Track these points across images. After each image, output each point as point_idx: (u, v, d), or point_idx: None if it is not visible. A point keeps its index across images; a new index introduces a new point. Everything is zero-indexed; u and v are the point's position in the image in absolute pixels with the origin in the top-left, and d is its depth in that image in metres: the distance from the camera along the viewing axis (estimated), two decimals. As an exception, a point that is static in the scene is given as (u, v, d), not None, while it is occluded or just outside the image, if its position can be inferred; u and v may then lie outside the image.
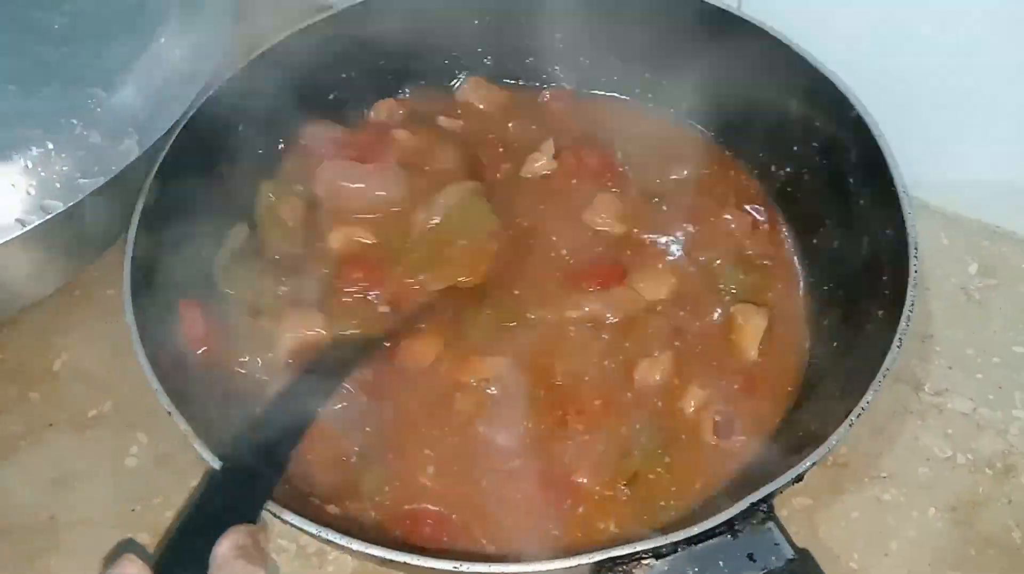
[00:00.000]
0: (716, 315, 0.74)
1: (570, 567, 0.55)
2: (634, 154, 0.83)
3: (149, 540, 0.71)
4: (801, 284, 0.77)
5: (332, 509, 0.66)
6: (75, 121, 0.66)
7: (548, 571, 0.55)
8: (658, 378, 0.71)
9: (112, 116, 0.68)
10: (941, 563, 0.67)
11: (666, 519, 0.64)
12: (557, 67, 0.90)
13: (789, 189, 0.81)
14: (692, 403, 0.70)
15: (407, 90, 0.89)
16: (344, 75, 0.86)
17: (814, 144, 0.78)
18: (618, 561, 0.55)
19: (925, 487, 0.71)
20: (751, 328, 0.72)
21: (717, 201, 0.80)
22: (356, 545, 0.56)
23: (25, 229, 0.63)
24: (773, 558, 0.55)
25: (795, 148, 0.80)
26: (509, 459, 0.67)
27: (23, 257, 0.73)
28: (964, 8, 0.73)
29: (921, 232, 0.81)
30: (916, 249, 0.66)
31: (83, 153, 0.66)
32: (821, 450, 0.58)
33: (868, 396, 0.60)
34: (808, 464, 0.58)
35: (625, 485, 0.66)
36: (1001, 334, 0.78)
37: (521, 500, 0.66)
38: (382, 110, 0.88)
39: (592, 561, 0.55)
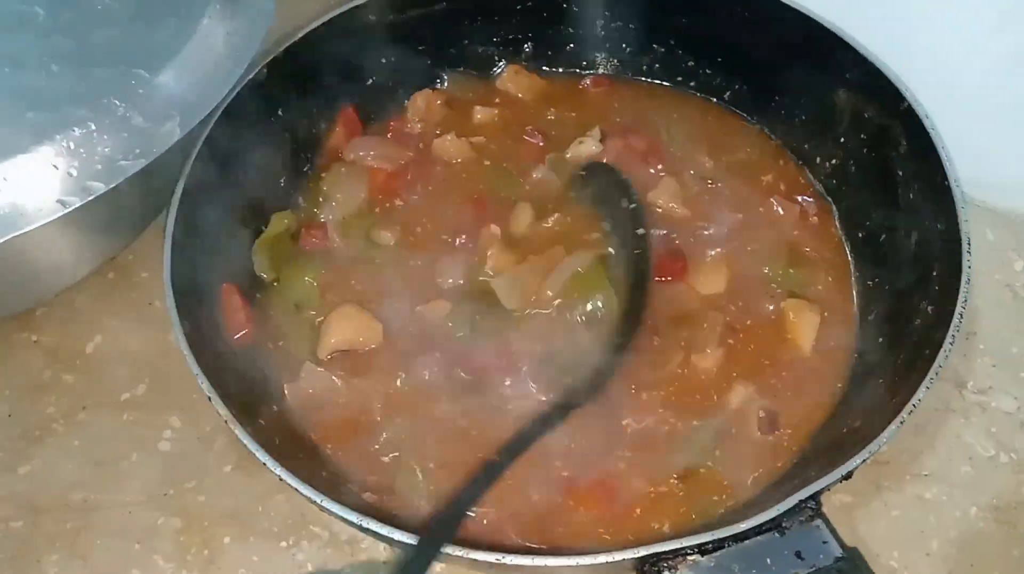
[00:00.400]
0: (768, 309, 0.73)
1: (614, 562, 0.55)
2: (680, 140, 0.83)
3: (181, 524, 0.70)
4: (852, 279, 0.76)
5: (368, 497, 0.65)
6: (118, 102, 0.66)
7: (592, 566, 0.54)
8: (712, 372, 0.70)
9: (155, 98, 0.67)
10: (984, 563, 0.66)
11: (717, 516, 0.63)
12: (598, 54, 0.89)
13: (835, 181, 0.80)
14: (738, 398, 0.69)
15: (445, 78, 0.88)
16: (383, 60, 0.85)
17: (862, 135, 0.77)
18: (663, 557, 0.54)
19: (967, 486, 0.70)
20: (805, 324, 0.72)
21: (766, 190, 0.79)
22: (397, 534, 0.55)
23: (67, 210, 0.63)
24: (821, 556, 0.54)
25: (842, 139, 0.79)
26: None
27: (60, 240, 0.73)
28: (1019, 7, 0.71)
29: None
30: (969, 244, 0.65)
31: (125, 135, 0.66)
32: (871, 447, 0.57)
33: (919, 394, 0.59)
34: (857, 462, 0.57)
35: (677, 479, 0.66)
36: (1047, 332, 0.77)
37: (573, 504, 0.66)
38: (419, 102, 0.87)
39: (636, 557, 0.54)
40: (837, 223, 0.79)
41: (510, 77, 0.88)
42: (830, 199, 0.80)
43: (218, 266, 0.72)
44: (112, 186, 0.64)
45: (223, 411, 0.61)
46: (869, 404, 0.65)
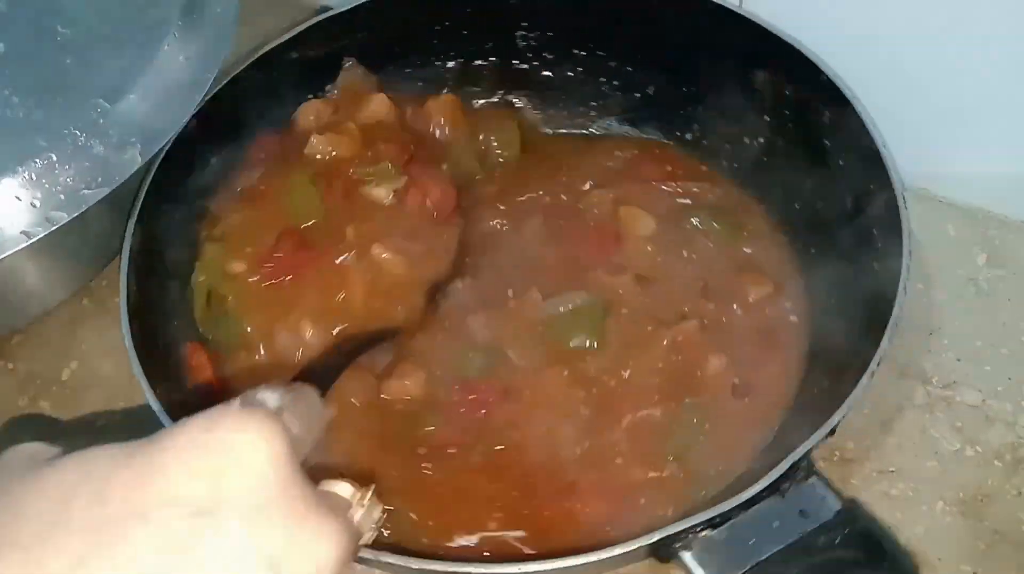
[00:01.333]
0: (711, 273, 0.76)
1: (629, 552, 0.56)
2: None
3: (160, 546, 0.71)
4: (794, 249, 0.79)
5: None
6: (78, 131, 0.66)
7: (606, 559, 0.55)
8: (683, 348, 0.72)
9: (115, 126, 0.68)
10: (951, 557, 0.67)
11: (717, 491, 0.65)
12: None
13: (765, 158, 0.82)
14: (712, 369, 0.71)
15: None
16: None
17: (785, 112, 0.79)
18: (675, 538, 0.56)
19: (933, 481, 0.70)
20: (756, 289, 0.75)
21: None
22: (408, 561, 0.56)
23: (31, 241, 0.64)
24: (823, 511, 0.57)
25: (765, 118, 0.81)
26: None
27: (30, 268, 0.75)
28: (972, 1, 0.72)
29: (927, 223, 0.82)
30: (905, 201, 0.68)
31: (87, 163, 0.66)
32: (849, 402, 0.59)
33: (884, 343, 0.61)
34: (837, 418, 0.59)
35: (673, 459, 0.67)
36: (1011, 325, 0.77)
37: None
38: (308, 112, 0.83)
39: (650, 542, 0.56)
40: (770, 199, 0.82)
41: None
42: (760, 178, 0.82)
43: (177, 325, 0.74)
44: (75, 215, 0.65)
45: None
46: (835, 363, 0.67)
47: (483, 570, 0.56)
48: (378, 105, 0.81)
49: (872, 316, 0.65)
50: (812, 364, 0.72)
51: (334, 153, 0.77)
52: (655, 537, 0.55)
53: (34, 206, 0.64)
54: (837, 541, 0.56)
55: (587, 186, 0.82)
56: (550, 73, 0.88)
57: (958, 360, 0.76)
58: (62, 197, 0.65)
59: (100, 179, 0.66)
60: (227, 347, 0.73)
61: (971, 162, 0.82)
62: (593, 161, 0.84)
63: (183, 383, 0.71)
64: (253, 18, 0.83)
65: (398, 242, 0.74)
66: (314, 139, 0.77)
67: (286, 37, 0.81)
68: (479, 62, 0.88)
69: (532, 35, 0.86)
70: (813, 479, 0.58)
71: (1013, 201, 0.82)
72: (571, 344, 0.72)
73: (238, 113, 0.79)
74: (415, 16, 0.84)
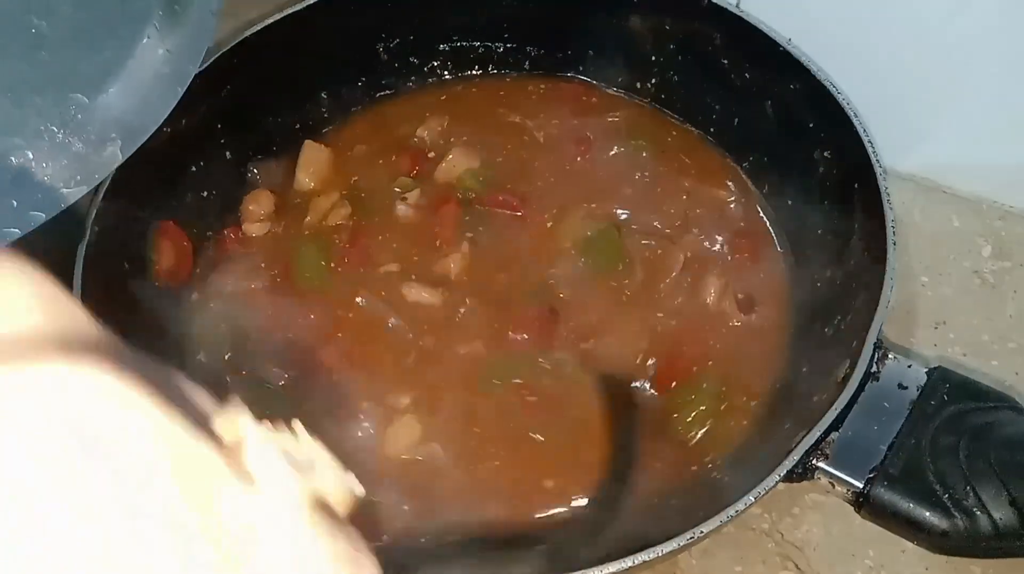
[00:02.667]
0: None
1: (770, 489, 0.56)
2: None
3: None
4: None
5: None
6: (55, 128, 0.64)
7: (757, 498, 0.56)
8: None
9: (94, 121, 0.65)
10: (959, 559, 0.65)
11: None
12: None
13: (663, 95, 0.84)
14: (712, 291, 0.72)
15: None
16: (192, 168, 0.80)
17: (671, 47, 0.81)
18: (810, 452, 0.58)
19: (941, 479, 0.69)
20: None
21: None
22: None
23: (7, 242, 0.61)
24: (917, 378, 0.61)
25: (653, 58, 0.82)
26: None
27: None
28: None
29: (932, 215, 0.81)
30: (833, 84, 0.70)
31: (65, 161, 0.64)
32: (888, 273, 0.62)
33: (887, 213, 0.65)
34: (888, 296, 0.61)
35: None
36: (1017, 318, 0.76)
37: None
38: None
39: (788, 469, 0.56)
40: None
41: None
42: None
43: None
44: (53, 215, 0.62)
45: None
46: (826, 252, 0.72)
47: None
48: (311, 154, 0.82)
49: (868, 246, 0.67)
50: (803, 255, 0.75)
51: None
52: (792, 461, 0.56)
53: (12, 205, 0.62)
54: (946, 398, 0.59)
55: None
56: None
57: (964, 355, 0.74)
58: (39, 196, 0.63)
59: (79, 177, 0.64)
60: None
61: (975, 151, 0.80)
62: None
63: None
64: (235, 9, 0.81)
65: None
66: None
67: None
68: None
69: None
70: (892, 354, 0.61)
71: (1018, 191, 0.80)
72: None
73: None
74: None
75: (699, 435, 0.67)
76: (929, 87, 0.77)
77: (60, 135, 0.64)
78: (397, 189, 0.80)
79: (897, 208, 0.66)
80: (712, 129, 0.82)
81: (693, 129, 0.83)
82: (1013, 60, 0.73)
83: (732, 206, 0.78)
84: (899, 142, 0.75)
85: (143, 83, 0.68)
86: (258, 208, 0.79)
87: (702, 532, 0.55)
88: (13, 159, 0.62)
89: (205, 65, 0.76)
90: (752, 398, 0.69)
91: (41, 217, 0.62)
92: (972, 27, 0.72)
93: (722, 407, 0.68)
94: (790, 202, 0.76)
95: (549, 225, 0.77)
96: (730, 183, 0.80)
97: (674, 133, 0.83)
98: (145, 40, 0.69)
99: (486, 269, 0.75)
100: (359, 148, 0.83)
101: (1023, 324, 0.75)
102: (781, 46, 0.72)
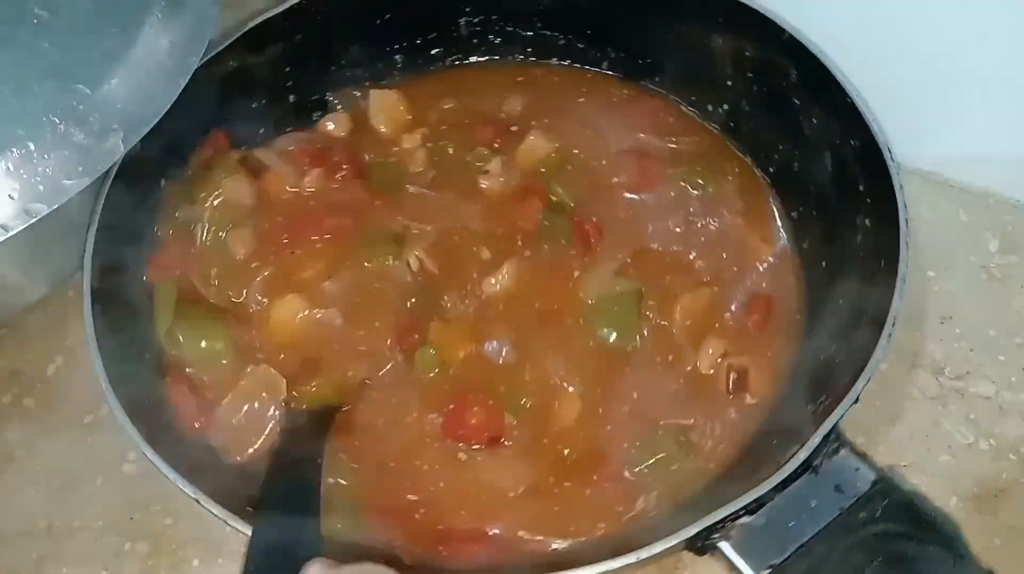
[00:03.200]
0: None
1: (670, 548, 0.54)
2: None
3: (148, 548, 0.69)
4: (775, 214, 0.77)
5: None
6: (57, 119, 0.63)
7: (647, 559, 0.54)
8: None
9: (96, 113, 0.65)
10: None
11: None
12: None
13: (732, 124, 0.81)
14: (709, 353, 0.69)
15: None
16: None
17: (749, 74, 0.78)
18: (714, 528, 0.54)
19: (947, 475, 0.69)
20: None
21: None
22: None
23: (9, 234, 0.61)
24: (858, 484, 0.56)
25: (729, 82, 0.79)
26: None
27: (10, 261, 0.72)
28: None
29: (938, 208, 0.80)
30: (891, 151, 0.66)
31: (67, 152, 0.63)
32: (870, 367, 0.58)
33: (895, 303, 0.60)
34: (861, 384, 0.57)
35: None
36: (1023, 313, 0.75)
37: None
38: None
39: (689, 535, 0.54)
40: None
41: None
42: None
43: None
44: (55, 207, 0.62)
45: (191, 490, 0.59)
46: (836, 327, 0.66)
47: None
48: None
49: (873, 272, 0.64)
50: (811, 333, 0.70)
51: None
52: (692, 531, 0.54)
53: (11, 198, 0.62)
54: (878, 514, 0.54)
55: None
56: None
57: (971, 350, 0.74)
58: (41, 188, 0.62)
59: (81, 168, 0.63)
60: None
61: (983, 145, 0.79)
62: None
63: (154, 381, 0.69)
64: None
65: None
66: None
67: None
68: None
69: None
70: (844, 451, 0.57)
71: (1026, 185, 0.80)
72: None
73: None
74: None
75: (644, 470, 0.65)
76: (937, 83, 0.77)
77: (62, 126, 0.64)
78: (477, 162, 0.79)
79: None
80: (771, 170, 0.79)
81: (755, 167, 0.79)
82: (1019, 55, 0.72)
83: (767, 264, 0.74)
84: (908, 136, 0.74)
85: (145, 74, 0.68)
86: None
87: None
88: (15, 150, 0.62)
89: (283, 8, 0.78)
90: (710, 460, 0.66)
91: (43, 209, 0.62)
92: (978, 24, 0.72)
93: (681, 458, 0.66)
94: (824, 263, 0.72)
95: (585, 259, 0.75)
96: (775, 236, 0.76)
97: (736, 171, 0.79)
98: (147, 30, 0.69)
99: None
100: (444, 101, 0.84)
101: (1030, 319, 0.75)
102: (850, 97, 0.68)
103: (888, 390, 0.72)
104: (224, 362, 0.71)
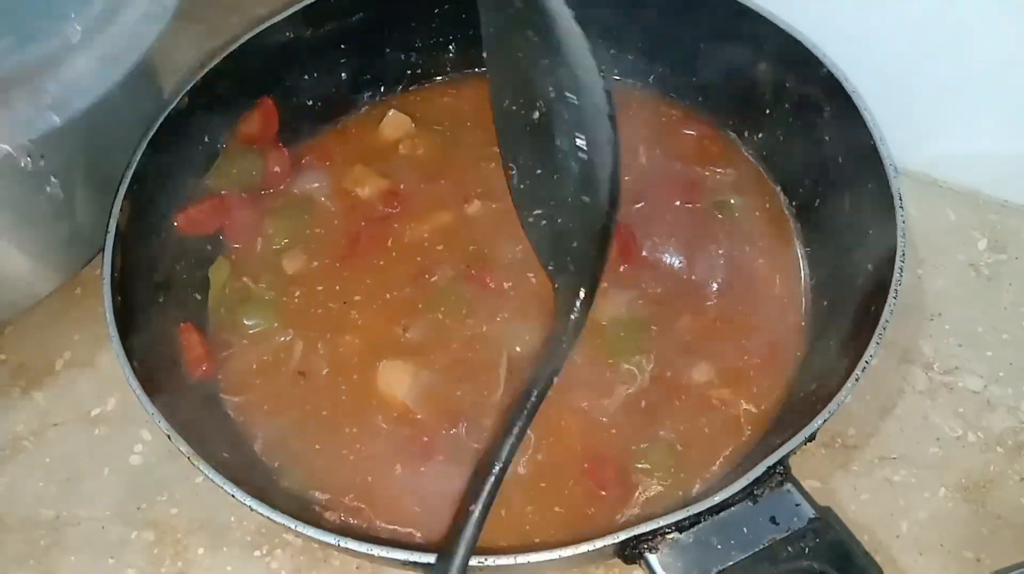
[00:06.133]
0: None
1: (596, 550, 0.55)
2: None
3: (154, 537, 0.70)
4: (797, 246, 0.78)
5: (331, 516, 0.66)
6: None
7: (574, 556, 0.54)
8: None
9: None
10: (953, 542, 0.67)
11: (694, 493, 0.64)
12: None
13: (765, 152, 0.82)
14: (702, 376, 0.70)
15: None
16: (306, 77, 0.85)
17: (786, 105, 0.78)
18: (642, 538, 0.55)
19: (936, 467, 0.70)
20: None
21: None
22: (377, 550, 0.55)
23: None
24: (795, 519, 0.56)
25: (768, 111, 0.80)
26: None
27: (16, 257, 0.74)
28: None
29: (927, 208, 0.82)
30: (901, 199, 0.67)
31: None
32: (831, 406, 0.58)
33: (870, 350, 0.60)
34: (819, 422, 0.58)
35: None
36: (1012, 310, 0.77)
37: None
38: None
39: (617, 541, 0.55)
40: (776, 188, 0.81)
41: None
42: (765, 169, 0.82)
43: (168, 301, 0.73)
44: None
45: (184, 448, 0.61)
46: (823, 368, 0.66)
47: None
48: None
49: (861, 320, 0.64)
50: (803, 368, 0.71)
51: None
52: (621, 537, 0.55)
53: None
54: (806, 551, 0.55)
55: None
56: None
57: (959, 345, 0.75)
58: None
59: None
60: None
61: (971, 146, 0.81)
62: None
63: (178, 371, 0.71)
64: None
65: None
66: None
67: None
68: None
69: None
70: (789, 486, 0.57)
71: (1013, 184, 0.81)
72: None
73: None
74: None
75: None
76: (927, 85, 0.79)
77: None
78: None
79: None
80: (795, 203, 0.79)
81: (784, 197, 0.80)
82: (1006, 57, 0.74)
83: (779, 301, 0.75)
84: (898, 138, 0.76)
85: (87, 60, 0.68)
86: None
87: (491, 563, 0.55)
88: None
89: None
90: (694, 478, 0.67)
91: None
92: (966, 26, 0.73)
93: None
94: (825, 303, 0.73)
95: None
96: (794, 272, 0.76)
97: (766, 205, 0.79)
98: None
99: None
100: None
101: (1017, 316, 0.76)
102: (874, 141, 0.69)
103: (879, 385, 0.73)
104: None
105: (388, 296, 0.75)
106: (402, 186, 0.81)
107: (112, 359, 0.76)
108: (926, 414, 0.72)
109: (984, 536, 0.67)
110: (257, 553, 0.69)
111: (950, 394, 0.73)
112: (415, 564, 0.55)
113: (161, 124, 0.73)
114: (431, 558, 0.54)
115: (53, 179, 0.71)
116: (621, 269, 0.75)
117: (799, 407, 0.64)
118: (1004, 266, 0.79)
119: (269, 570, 0.68)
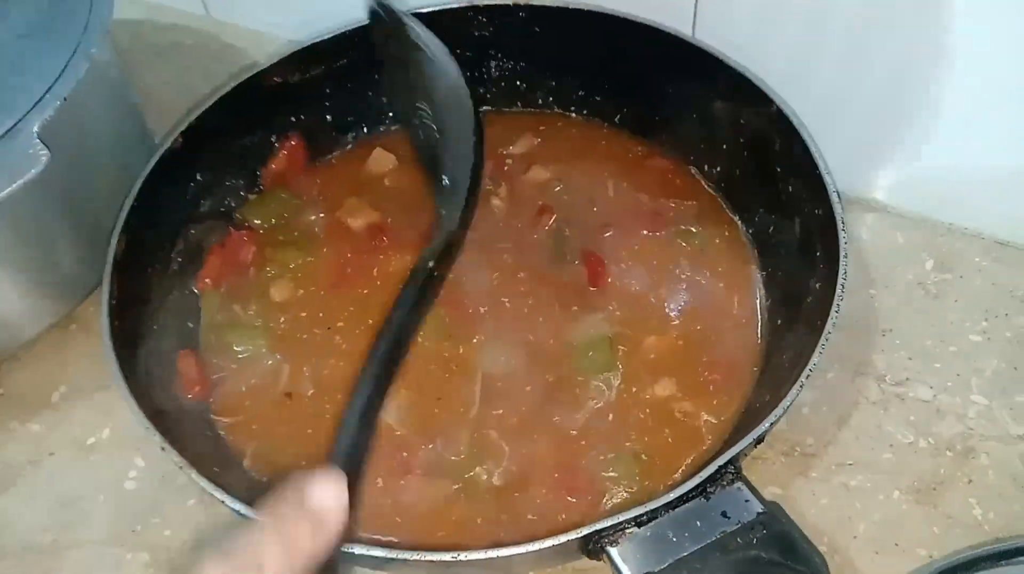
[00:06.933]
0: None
1: (560, 545, 0.58)
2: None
3: (149, 558, 0.73)
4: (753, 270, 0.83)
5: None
6: None
7: (538, 551, 0.58)
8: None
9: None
10: (907, 541, 0.70)
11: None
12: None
13: (723, 185, 0.87)
14: (666, 391, 0.74)
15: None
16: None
17: (741, 139, 0.84)
18: (603, 533, 0.59)
19: (890, 472, 0.74)
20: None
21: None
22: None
23: None
24: (745, 513, 0.60)
25: (724, 145, 0.86)
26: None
27: (11, 298, 0.79)
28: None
29: (878, 232, 0.87)
30: (843, 223, 0.72)
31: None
32: (777, 411, 0.63)
33: (814, 358, 0.65)
34: (767, 425, 0.62)
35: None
36: (957, 324, 0.81)
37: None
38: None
39: (579, 536, 0.58)
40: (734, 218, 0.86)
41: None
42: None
43: (161, 328, 0.77)
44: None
45: (176, 459, 0.64)
46: (777, 380, 0.70)
47: (415, 557, 0.59)
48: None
49: (810, 333, 0.68)
50: (759, 383, 0.75)
51: None
52: (583, 532, 0.59)
53: None
54: (754, 541, 0.59)
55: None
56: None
57: (910, 358, 0.80)
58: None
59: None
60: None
61: (916, 173, 0.86)
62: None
63: (171, 391, 0.75)
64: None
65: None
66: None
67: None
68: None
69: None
70: (739, 484, 0.61)
71: (957, 209, 0.87)
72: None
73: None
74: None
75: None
76: (875, 118, 0.84)
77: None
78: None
79: (847, 226, 0.72)
80: (751, 231, 0.84)
81: (741, 225, 0.85)
82: (946, 91, 0.79)
83: (739, 324, 0.79)
84: (849, 167, 0.80)
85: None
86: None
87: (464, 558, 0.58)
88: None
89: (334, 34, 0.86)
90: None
91: None
92: (902, 62, 0.79)
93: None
94: (780, 322, 0.77)
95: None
96: (752, 295, 0.81)
97: (726, 233, 0.85)
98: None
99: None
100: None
101: (963, 330, 0.81)
102: (819, 171, 0.74)
103: (835, 397, 0.78)
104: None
105: (371, 322, 0.78)
106: (389, 219, 0.86)
107: (106, 392, 0.82)
108: (880, 423, 0.77)
109: (936, 534, 0.71)
110: (247, 569, 0.72)
111: (902, 404, 0.77)
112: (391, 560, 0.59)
113: (156, 164, 0.78)
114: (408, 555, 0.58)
115: (37, 226, 0.76)
116: (591, 291, 0.80)
117: (755, 417, 0.68)
118: (950, 285, 0.84)
119: (259, 585, 0.71)
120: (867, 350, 0.80)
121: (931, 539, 0.70)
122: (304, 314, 0.80)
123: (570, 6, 0.86)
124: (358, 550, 0.57)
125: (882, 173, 0.88)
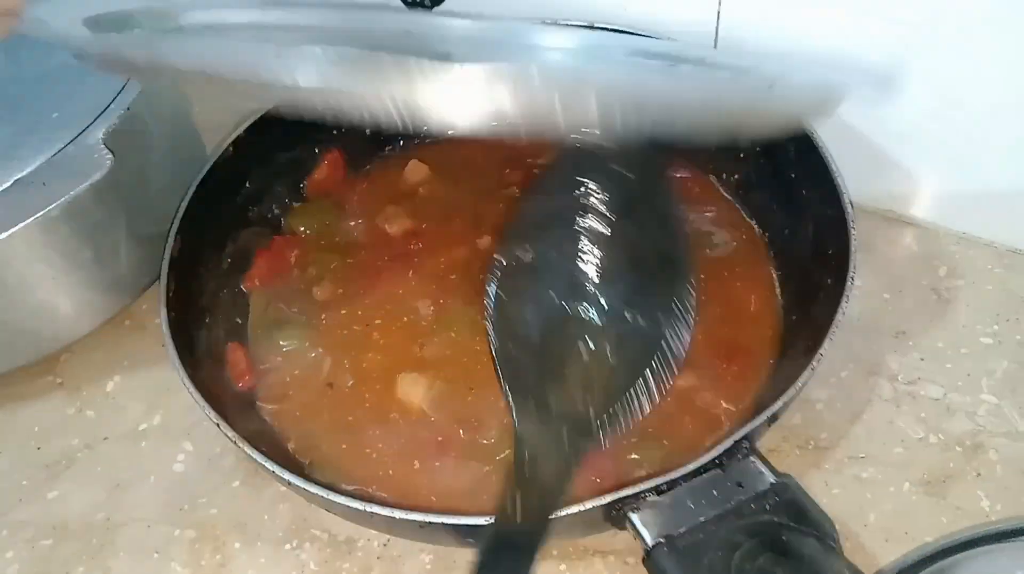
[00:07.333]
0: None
1: (586, 511, 0.62)
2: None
3: (195, 534, 0.78)
4: (772, 271, 0.86)
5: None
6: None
7: (565, 517, 0.61)
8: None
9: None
10: (916, 530, 0.73)
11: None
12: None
13: (741, 191, 0.92)
14: (687, 382, 0.77)
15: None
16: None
17: (757, 148, 0.88)
18: (626, 501, 0.63)
19: (900, 465, 0.77)
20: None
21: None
22: (398, 514, 0.63)
23: None
24: (758, 484, 0.63)
25: (742, 154, 0.90)
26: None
27: (64, 297, 0.85)
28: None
29: (893, 241, 0.91)
30: (853, 222, 0.76)
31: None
32: (790, 392, 0.66)
33: (824, 345, 0.68)
34: (780, 404, 0.66)
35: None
36: (968, 327, 0.85)
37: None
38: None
39: (603, 503, 0.62)
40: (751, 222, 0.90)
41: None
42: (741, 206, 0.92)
43: (212, 322, 0.84)
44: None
45: (231, 434, 0.69)
46: (792, 370, 0.72)
47: (434, 519, 0.63)
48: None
49: (823, 325, 0.71)
50: (775, 373, 0.79)
51: None
52: (607, 499, 0.62)
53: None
54: (767, 507, 0.62)
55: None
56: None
57: (922, 359, 0.83)
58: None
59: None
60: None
61: (932, 184, 0.90)
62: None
63: (222, 379, 0.80)
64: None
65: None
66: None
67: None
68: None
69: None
70: (753, 458, 0.65)
71: (969, 218, 0.90)
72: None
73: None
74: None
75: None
76: (892, 131, 0.88)
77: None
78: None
79: (862, 235, 0.76)
80: (767, 233, 0.88)
81: (758, 229, 0.89)
82: (954, 101, 0.83)
83: (756, 320, 0.82)
84: (865, 177, 0.84)
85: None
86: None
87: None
88: None
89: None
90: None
91: None
92: (925, 71, 0.82)
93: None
94: (794, 317, 0.81)
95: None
96: (769, 294, 0.84)
97: (743, 237, 0.88)
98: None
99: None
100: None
101: (974, 333, 0.84)
102: (832, 174, 0.78)
103: (849, 395, 0.81)
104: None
105: (406, 319, 0.84)
106: (424, 225, 0.91)
107: (157, 383, 0.87)
108: (891, 419, 0.80)
109: (944, 524, 0.74)
110: (287, 546, 0.77)
111: (913, 402, 0.81)
112: (467, 527, 0.63)
113: (208, 171, 0.84)
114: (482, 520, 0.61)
115: (98, 226, 0.82)
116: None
117: (770, 402, 0.70)
118: (962, 291, 0.87)
119: (298, 561, 0.76)
120: (880, 351, 0.84)
121: (939, 528, 0.73)
122: (344, 312, 0.85)
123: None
124: (398, 515, 0.62)
125: (897, 183, 0.92)
